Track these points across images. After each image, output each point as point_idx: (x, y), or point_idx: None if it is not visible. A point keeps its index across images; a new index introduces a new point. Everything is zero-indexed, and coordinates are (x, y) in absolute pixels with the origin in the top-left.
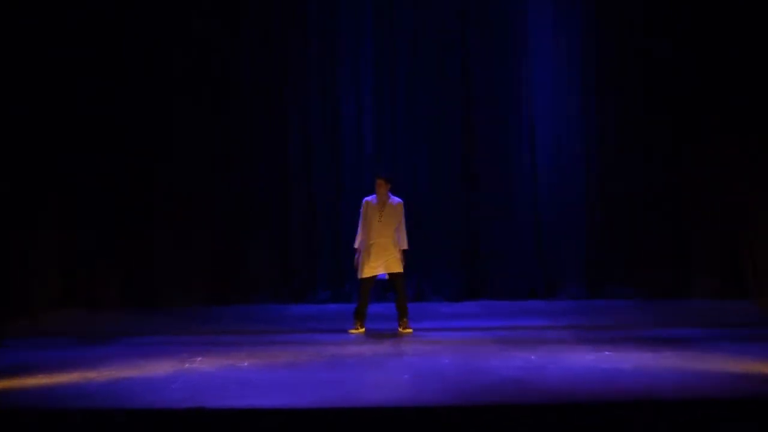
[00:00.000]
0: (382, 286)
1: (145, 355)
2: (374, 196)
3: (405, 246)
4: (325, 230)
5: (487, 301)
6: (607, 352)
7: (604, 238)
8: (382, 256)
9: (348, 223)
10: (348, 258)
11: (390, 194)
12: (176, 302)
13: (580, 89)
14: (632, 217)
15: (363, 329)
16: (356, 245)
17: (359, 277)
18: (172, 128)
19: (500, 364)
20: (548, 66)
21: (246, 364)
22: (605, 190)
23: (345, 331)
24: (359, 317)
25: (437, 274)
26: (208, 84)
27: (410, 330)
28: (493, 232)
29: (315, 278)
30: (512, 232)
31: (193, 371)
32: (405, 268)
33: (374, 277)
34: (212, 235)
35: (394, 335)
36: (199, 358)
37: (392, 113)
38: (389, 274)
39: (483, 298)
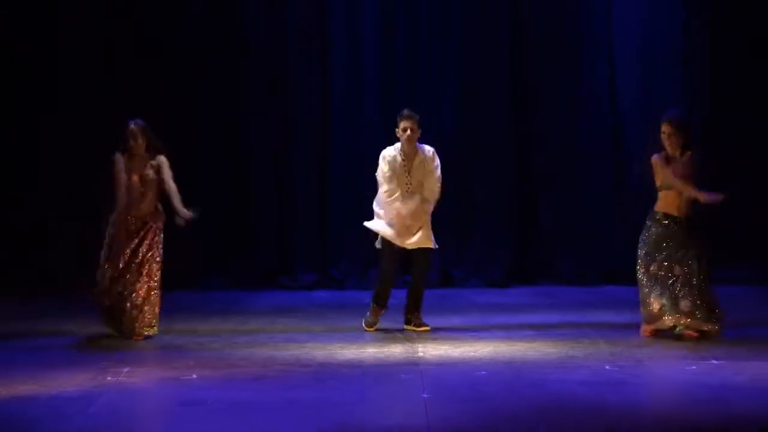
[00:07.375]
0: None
1: (50, 363)
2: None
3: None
4: (306, 188)
5: (545, 288)
6: (714, 361)
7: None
8: (410, 228)
9: (337, 174)
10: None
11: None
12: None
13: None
14: (747, 183)
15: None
16: (375, 208)
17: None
18: None
19: (560, 378)
20: None
21: (194, 377)
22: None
23: (338, 329)
24: (378, 302)
25: (473, 248)
26: None
27: (427, 327)
28: (559, 195)
29: (291, 256)
30: (583, 196)
31: (117, 387)
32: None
33: (399, 249)
34: None
35: (406, 338)
36: (127, 369)
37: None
38: (416, 250)
39: (539, 284)
